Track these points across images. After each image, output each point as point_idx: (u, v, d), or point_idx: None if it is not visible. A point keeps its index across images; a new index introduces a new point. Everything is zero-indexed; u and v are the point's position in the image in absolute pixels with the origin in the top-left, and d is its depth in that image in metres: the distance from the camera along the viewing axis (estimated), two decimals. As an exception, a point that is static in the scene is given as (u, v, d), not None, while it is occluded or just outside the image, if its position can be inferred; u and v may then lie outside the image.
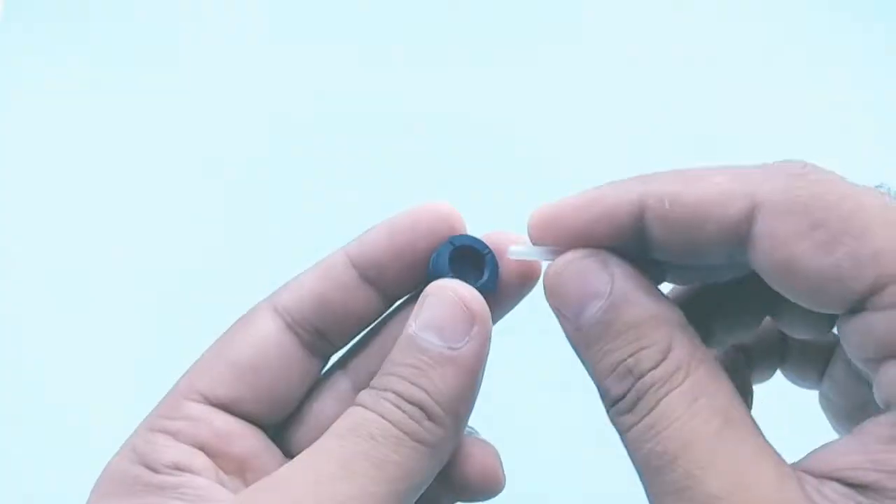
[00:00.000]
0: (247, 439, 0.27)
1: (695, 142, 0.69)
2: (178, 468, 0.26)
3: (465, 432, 0.28)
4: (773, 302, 0.26)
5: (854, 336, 0.22)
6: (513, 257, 0.27)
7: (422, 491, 0.26)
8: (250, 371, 0.27)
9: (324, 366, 0.30)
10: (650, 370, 0.23)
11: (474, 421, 0.28)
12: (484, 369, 0.26)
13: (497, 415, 0.35)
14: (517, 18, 0.75)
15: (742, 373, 0.30)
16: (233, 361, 0.27)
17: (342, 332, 0.29)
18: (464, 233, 0.28)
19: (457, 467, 0.28)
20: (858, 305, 0.21)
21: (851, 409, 0.28)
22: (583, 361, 0.25)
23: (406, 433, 0.25)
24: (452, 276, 0.27)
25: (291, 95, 0.73)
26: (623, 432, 0.24)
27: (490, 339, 0.26)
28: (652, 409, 0.23)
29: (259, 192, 0.70)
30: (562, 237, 0.25)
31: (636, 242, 0.24)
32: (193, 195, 0.70)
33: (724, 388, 0.23)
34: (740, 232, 0.23)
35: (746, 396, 0.30)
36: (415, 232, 0.28)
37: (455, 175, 0.69)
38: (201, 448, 0.27)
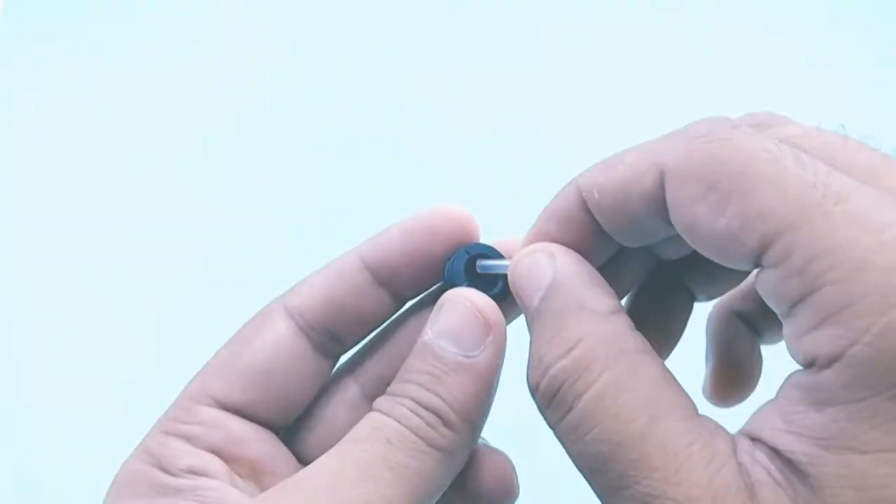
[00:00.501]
0: (260, 443, 0.28)
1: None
2: (194, 472, 0.26)
3: (479, 442, 0.29)
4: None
5: (762, 292, 0.22)
6: (480, 270, 0.28)
7: (437, 497, 0.26)
8: (263, 375, 0.28)
9: (333, 366, 0.30)
10: (558, 359, 0.23)
11: (487, 430, 0.28)
12: (498, 377, 0.27)
13: (510, 424, 0.35)
14: (522, 16, 0.75)
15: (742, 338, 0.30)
16: (246, 366, 0.28)
17: (354, 333, 0.29)
18: (478, 237, 0.29)
19: (471, 476, 0.28)
20: (751, 263, 0.21)
21: None
22: None
23: (422, 438, 0.25)
24: (468, 285, 0.28)
25: (293, 94, 0.73)
26: (551, 427, 0.24)
27: (505, 347, 0.27)
28: (571, 408, 0.23)
29: (262, 192, 0.70)
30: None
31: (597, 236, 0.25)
32: (194, 194, 0.70)
33: (647, 378, 0.23)
34: (657, 202, 0.23)
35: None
36: (429, 235, 0.28)
37: (461, 173, 0.69)
38: (216, 452, 0.27)
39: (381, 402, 0.26)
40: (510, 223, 0.29)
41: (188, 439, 0.27)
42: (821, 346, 0.19)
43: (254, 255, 0.67)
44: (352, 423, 0.27)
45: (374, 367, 0.30)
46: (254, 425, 0.28)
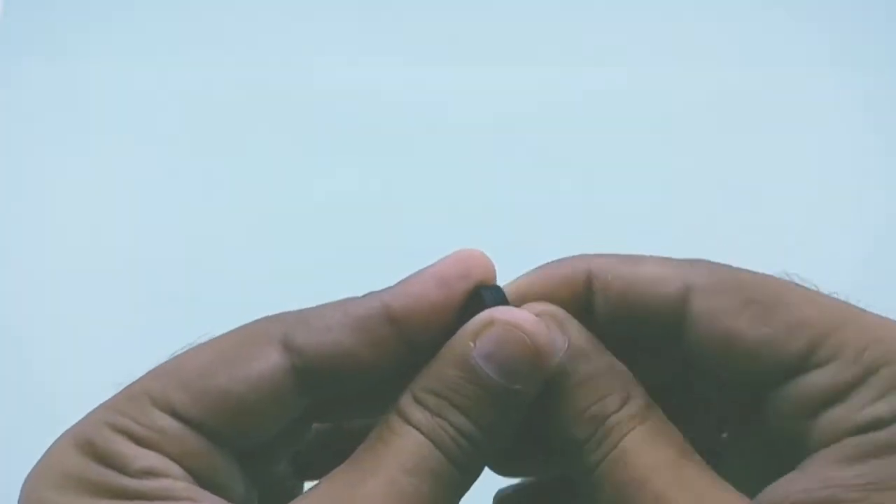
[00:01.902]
0: (220, 459, 0.25)
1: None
2: (153, 474, 0.23)
3: None
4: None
5: (787, 399, 0.25)
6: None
7: None
8: (237, 405, 0.25)
9: (312, 406, 0.27)
10: (614, 413, 0.25)
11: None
12: None
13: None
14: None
15: None
16: (221, 390, 0.24)
17: (355, 384, 0.26)
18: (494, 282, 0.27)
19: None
20: (793, 368, 0.24)
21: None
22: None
23: (458, 468, 0.25)
24: None
25: (295, 93, 0.72)
26: (590, 471, 0.25)
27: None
28: (616, 444, 0.25)
29: (264, 191, 0.69)
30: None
31: (587, 309, 0.26)
32: (194, 193, 0.69)
33: (676, 432, 0.25)
34: (676, 310, 0.25)
35: None
36: (466, 281, 0.26)
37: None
38: (172, 460, 0.24)
39: (415, 412, 0.25)
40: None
41: (137, 441, 0.24)
42: (884, 411, 0.23)
43: (251, 252, 0.66)
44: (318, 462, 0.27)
45: (349, 409, 0.28)
46: (212, 444, 0.25)
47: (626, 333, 0.26)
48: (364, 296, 0.26)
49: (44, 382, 0.62)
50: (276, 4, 0.76)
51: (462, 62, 0.73)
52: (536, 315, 0.25)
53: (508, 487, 0.31)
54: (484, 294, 0.26)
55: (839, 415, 0.24)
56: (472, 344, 0.25)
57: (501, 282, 0.27)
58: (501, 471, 0.30)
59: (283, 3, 0.76)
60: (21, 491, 0.24)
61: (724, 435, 0.29)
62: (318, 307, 0.26)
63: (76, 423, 0.24)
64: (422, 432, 0.24)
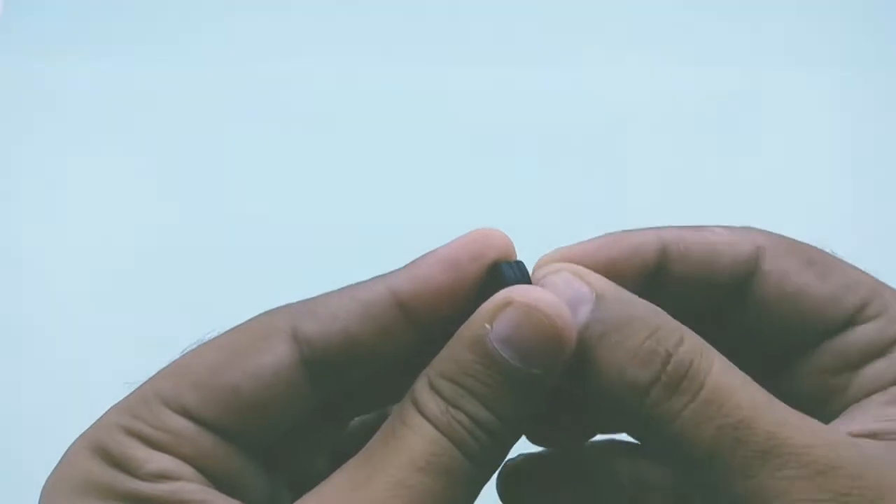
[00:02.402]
0: (235, 458, 0.24)
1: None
2: (166, 476, 0.23)
3: None
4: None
5: (835, 351, 0.27)
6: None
7: None
8: (248, 402, 0.24)
9: (326, 397, 0.26)
10: (677, 346, 0.23)
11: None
12: None
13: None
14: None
15: None
16: (231, 387, 0.24)
17: (364, 373, 0.25)
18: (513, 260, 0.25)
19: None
20: (847, 321, 0.26)
21: None
22: (574, 378, 0.24)
23: (473, 462, 0.23)
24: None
25: (299, 93, 0.72)
26: (672, 419, 0.23)
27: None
28: (702, 386, 0.23)
29: (267, 192, 0.69)
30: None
31: (652, 285, 0.26)
32: (195, 193, 0.69)
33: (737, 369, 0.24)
34: (748, 269, 0.27)
35: None
36: (478, 264, 0.25)
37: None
38: (186, 461, 0.24)
39: (430, 403, 0.23)
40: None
41: (151, 444, 0.23)
42: None
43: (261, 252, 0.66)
44: (330, 447, 0.27)
45: (362, 399, 0.27)
46: (226, 442, 0.24)
47: (695, 301, 0.27)
48: (370, 280, 0.25)
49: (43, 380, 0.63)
50: (277, 4, 0.75)
51: (462, 62, 0.73)
52: (554, 274, 0.24)
53: (517, 457, 0.30)
54: (504, 270, 0.24)
55: (883, 367, 0.26)
56: (488, 326, 0.23)
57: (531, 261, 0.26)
58: (533, 439, 0.29)
59: (283, 3, 0.75)
60: (40, 497, 0.23)
61: None
62: (324, 295, 0.25)
63: (90, 427, 0.24)
64: (436, 426, 0.23)
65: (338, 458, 0.28)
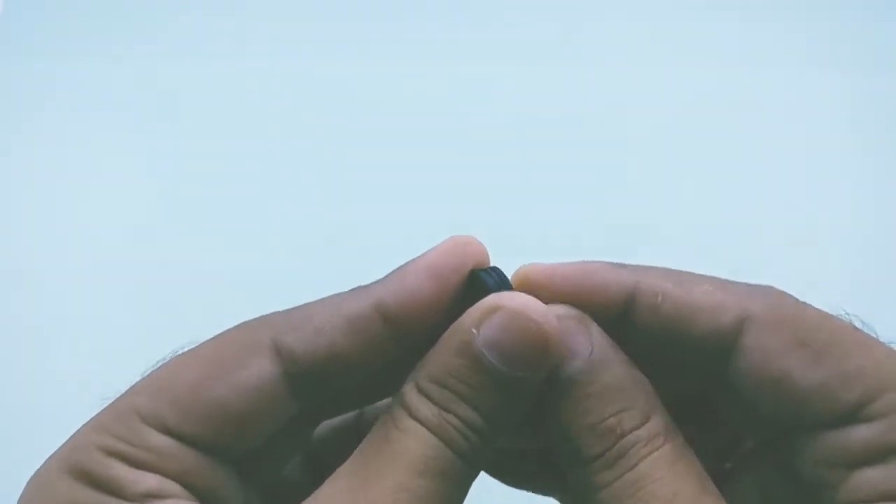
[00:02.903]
0: (218, 472, 0.24)
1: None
2: (155, 496, 0.22)
3: None
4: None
5: (827, 446, 0.23)
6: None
7: None
8: (229, 417, 0.23)
9: (307, 409, 0.26)
10: (633, 430, 0.24)
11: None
12: None
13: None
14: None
15: None
16: (212, 401, 0.23)
17: (347, 385, 0.25)
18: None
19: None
20: (842, 418, 0.23)
21: None
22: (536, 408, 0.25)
23: (466, 462, 0.23)
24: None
25: (301, 94, 0.72)
26: (599, 489, 0.24)
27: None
28: (634, 466, 0.23)
29: (269, 194, 0.69)
30: (551, 297, 0.25)
31: (617, 327, 0.25)
32: (195, 193, 0.69)
33: (696, 459, 0.24)
34: (726, 341, 0.24)
35: None
36: (458, 273, 0.24)
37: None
38: (172, 479, 0.23)
39: (421, 406, 0.23)
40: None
41: (137, 464, 0.23)
42: None
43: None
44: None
45: (343, 408, 0.27)
46: (209, 458, 0.24)
47: (662, 353, 0.25)
48: (353, 291, 0.25)
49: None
50: (277, 4, 0.75)
51: (461, 62, 0.73)
52: (559, 317, 0.24)
53: None
54: (484, 277, 0.24)
55: (877, 476, 0.23)
56: (475, 331, 0.23)
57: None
58: (497, 476, 0.29)
59: (285, 2, 0.75)
60: None
61: (728, 465, 0.28)
62: (305, 306, 0.25)
63: (62, 448, 0.23)
64: (429, 429, 0.23)
65: (309, 462, 0.29)
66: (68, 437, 0.24)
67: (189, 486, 0.23)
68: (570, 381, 0.24)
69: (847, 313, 0.25)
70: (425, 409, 0.23)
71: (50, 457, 0.23)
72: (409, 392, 0.24)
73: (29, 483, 0.23)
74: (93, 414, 0.24)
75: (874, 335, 0.24)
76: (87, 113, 0.71)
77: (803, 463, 0.24)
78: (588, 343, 0.24)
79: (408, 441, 0.23)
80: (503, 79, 0.72)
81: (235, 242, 0.67)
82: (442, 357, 0.24)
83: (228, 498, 0.24)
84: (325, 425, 0.29)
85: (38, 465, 0.23)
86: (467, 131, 0.70)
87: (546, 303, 0.24)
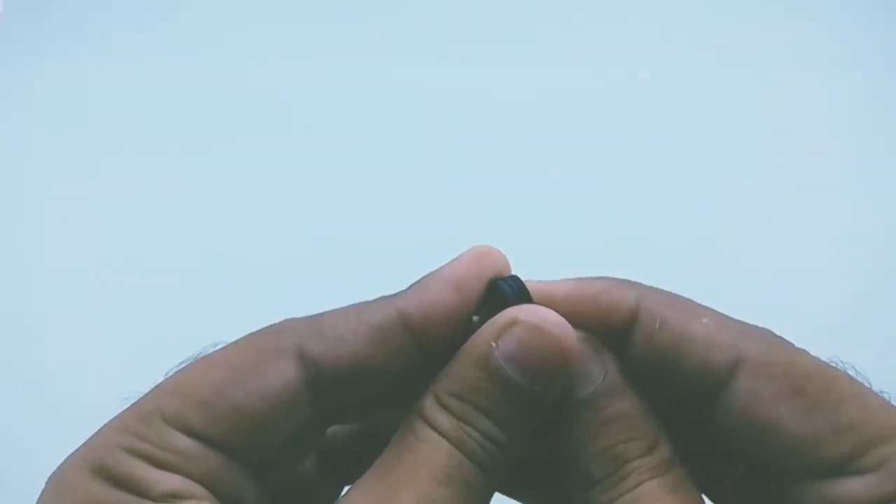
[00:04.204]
0: (238, 477, 0.24)
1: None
2: (177, 496, 0.23)
3: None
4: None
5: (817, 495, 0.24)
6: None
7: None
8: (252, 422, 0.24)
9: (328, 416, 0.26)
10: (637, 458, 0.24)
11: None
12: None
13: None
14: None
15: None
16: (234, 406, 0.24)
17: (368, 394, 0.25)
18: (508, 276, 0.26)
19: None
20: (832, 469, 0.23)
21: None
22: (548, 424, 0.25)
23: (486, 474, 0.24)
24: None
25: (302, 97, 0.72)
26: None
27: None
28: (633, 489, 0.24)
29: (271, 196, 0.69)
30: None
31: (620, 341, 0.25)
32: (195, 194, 0.69)
33: (695, 492, 0.25)
34: (718, 379, 0.24)
35: None
36: (480, 283, 0.25)
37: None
38: (195, 481, 0.23)
39: (440, 418, 0.24)
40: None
41: (161, 465, 0.23)
42: None
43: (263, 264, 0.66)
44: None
45: (363, 415, 0.28)
46: (231, 461, 0.24)
47: (656, 378, 0.25)
48: (377, 300, 0.25)
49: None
50: (279, 4, 0.75)
51: (463, 62, 0.73)
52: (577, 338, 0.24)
53: None
54: (503, 287, 0.25)
55: None
56: (493, 344, 0.24)
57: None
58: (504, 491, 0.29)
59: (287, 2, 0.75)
60: None
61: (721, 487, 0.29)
62: (329, 313, 0.25)
63: (84, 446, 0.23)
64: (449, 440, 0.24)
65: (324, 460, 0.29)
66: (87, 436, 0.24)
67: (211, 488, 0.23)
68: (583, 405, 0.25)
69: (842, 362, 0.25)
70: (445, 420, 0.24)
71: (70, 455, 0.23)
72: (429, 404, 0.24)
73: (49, 481, 0.23)
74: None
75: (868, 384, 0.25)
76: (87, 113, 0.71)
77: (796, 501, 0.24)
78: (601, 369, 0.25)
79: (429, 451, 0.24)
80: (511, 80, 0.72)
81: (247, 248, 0.67)
82: (461, 370, 0.24)
83: (249, 500, 0.24)
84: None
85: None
86: (490, 136, 0.70)
87: None
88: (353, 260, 0.63)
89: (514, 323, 0.24)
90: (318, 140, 0.70)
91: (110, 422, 0.24)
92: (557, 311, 0.24)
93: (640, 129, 0.70)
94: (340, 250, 0.66)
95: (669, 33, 0.74)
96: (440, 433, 0.24)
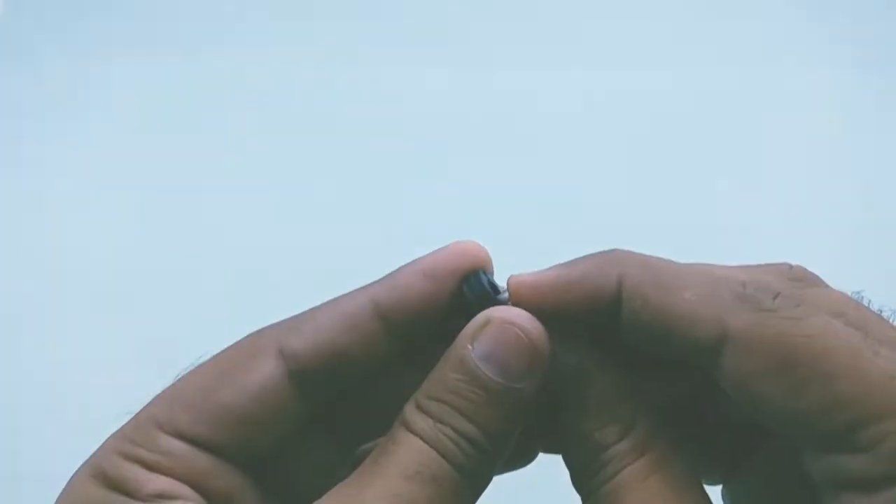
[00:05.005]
0: (229, 477, 0.25)
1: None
2: (164, 496, 0.24)
3: None
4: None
5: (817, 464, 0.23)
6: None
7: None
8: (239, 419, 0.25)
9: (313, 410, 0.27)
10: (613, 444, 0.25)
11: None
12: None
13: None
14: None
15: None
16: (221, 405, 0.25)
17: (349, 383, 0.26)
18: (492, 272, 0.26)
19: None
20: (824, 446, 0.23)
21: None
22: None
23: (461, 473, 0.24)
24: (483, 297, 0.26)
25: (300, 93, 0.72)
26: (584, 495, 0.26)
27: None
28: (612, 477, 0.25)
29: (269, 193, 0.69)
30: (540, 309, 0.25)
31: (611, 321, 0.25)
32: (195, 192, 0.69)
33: (678, 465, 0.25)
34: (706, 355, 0.24)
35: None
36: (453, 276, 0.26)
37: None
38: (182, 481, 0.25)
39: (419, 421, 0.25)
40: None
41: (149, 467, 0.24)
42: None
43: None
44: (324, 464, 0.27)
45: (351, 413, 0.28)
46: (219, 461, 0.25)
47: (649, 350, 0.25)
48: (352, 291, 0.26)
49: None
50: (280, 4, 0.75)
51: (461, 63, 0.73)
52: (548, 333, 0.25)
53: None
54: (469, 284, 0.26)
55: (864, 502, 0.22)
56: (470, 347, 0.25)
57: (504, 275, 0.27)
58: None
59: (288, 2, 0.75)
60: None
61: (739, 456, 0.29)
62: (310, 310, 0.26)
63: (92, 455, 0.25)
64: (423, 439, 0.24)
65: None
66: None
67: (201, 489, 0.25)
68: (558, 396, 0.26)
69: (856, 292, 0.24)
70: (422, 422, 0.25)
71: (82, 463, 0.25)
72: (409, 409, 0.25)
73: (64, 487, 0.25)
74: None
75: (889, 319, 0.24)
76: (87, 113, 0.72)
77: (795, 471, 0.24)
78: (577, 359, 0.26)
79: (401, 451, 0.24)
80: (511, 80, 0.73)
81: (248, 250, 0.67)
82: (440, 374, 0.25)
83: (242, 500, 0.26)
84: (361, 450, 0.29)
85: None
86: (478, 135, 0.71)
87: (535, 313, 0.25)
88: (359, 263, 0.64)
89: (487, 323, 0.25)
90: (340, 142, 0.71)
91: (114, 432, 0.25)
92: (543, 302, 0.25)
93: (641, 128, 0.71)
94: (343, 250, 0.66)
95: (672, 33, 0.74)
96: (416, 434, 0.24)
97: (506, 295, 0.26)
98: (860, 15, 0.73)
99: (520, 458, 0.29)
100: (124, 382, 0.49)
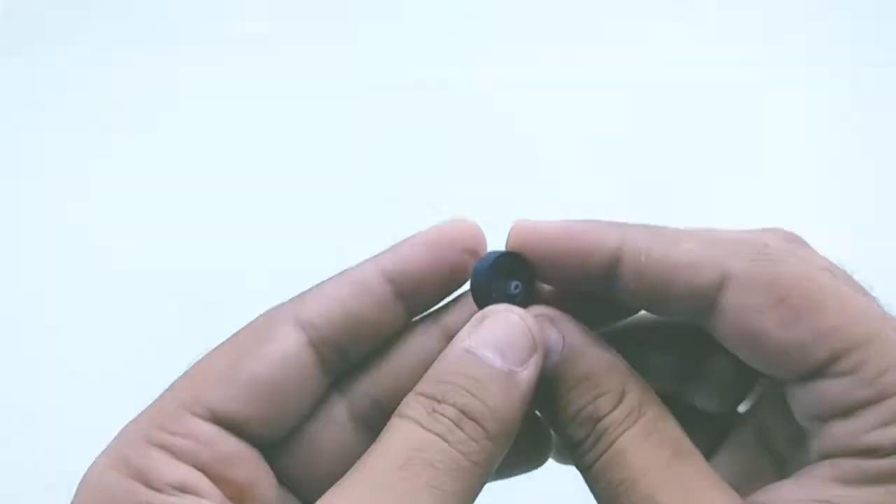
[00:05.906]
0: (247, 464, 0.26)
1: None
2: (184, 489, 0.24)
3: None
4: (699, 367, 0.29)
5: (804, 398, 0.25)
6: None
7: None
8: (267, 390, 0.26)
9: (331, 382, 0.28)
10: (607, 414, 0.26)
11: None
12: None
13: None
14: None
15: None
16: (249, 378, 0.26)
17: (363, 350, 0.27)
18: (485, 250, 0.28)
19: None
20: (813, 373, 0.24)
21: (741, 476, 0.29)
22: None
23: (464, 454, 0.24)
24: (492, 282, 0.27)
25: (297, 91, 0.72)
26: (585, 470, 0.26)
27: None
28: (610, 445, 0.25)
29: (268, 192, 0.70)
30: (539, 254, 0.27)
31: (603, 283, 0.26)
32: (195, 191, 0.69)
33: (671, 426, 0.26)
34: (707, 299, 0.25)
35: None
36: (453, 248, 0.27)
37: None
38: (203, 471, 0.25)
39: (415, 409, 0.25)
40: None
41: (174, 453, 0.25)
42: (886, 440, 0.23)
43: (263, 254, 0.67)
44: (337, 443, 0.27)
45: (364, 387, 0.28)
46: (242, 444, 0.26)
47: (649, 308, 0.27)
48: (359, 263, 0.28)
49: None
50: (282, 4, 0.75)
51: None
52: (535, 316, 0.26)
53: None
54: (475, 268, 0.27)
55: (843, 431, 0.24)
56: (466, 339, 0.26)
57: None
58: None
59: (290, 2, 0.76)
60: None
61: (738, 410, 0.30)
62: (319, 283, 0.28)
63: (113, 441, 0.25)
64: (419, 424, 0.25)
65: None
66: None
67: (221, 480, 0.25)
68: (549, 377, 0.26)
69: (842, 263, 0.26)
70: (420, 407, 0.25)
71: (103, 451, 0.25)
72: (406, 400, 0.26)
73: (85, 472, 0.25)
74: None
75: (866, 288, 0.25)
76: (87, 112, 0.72)
77: (791, 412, 0.26)
78: (560, 339, 0.26)
79: (393, 440, 0.25)
80: (513, 80, 0.73)
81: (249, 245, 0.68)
82: (438, 365, 0.26)
83: (261, 486, 0.26)
84: None
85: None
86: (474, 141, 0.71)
87: (534, 258, 0.27)
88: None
89: (484, 317, 0.26)
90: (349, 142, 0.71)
91: (136, 417, 0.26)
92: (543, 247, 0.26)
93: (633, 127, 0.71)
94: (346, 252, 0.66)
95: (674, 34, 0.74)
96: (410, 419, 0.25)
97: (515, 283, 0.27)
98: (860, 15, 0.73)
99: (530, 459, 0.30)
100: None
